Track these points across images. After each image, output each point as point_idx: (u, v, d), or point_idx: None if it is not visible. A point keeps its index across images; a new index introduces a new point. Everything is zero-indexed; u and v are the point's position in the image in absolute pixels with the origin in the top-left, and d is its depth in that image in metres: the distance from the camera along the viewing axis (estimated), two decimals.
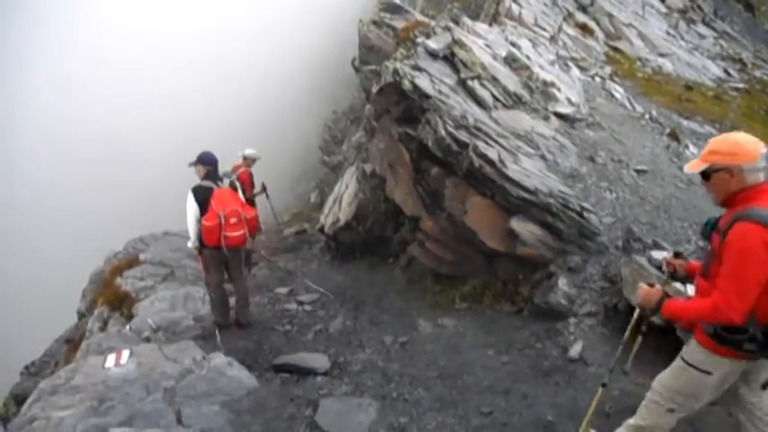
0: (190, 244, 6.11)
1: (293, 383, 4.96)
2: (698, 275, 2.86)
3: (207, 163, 6.01)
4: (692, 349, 2.85)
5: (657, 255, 5.10)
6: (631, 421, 3.16)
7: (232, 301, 6.58)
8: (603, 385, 3.26)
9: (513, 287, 6.10)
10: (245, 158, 9.15)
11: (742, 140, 2.67)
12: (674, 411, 2.95)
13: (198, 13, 32.96)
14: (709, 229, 2.79)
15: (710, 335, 2.72)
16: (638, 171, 7.45)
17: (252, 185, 9.21)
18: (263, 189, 9.69)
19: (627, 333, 3.37)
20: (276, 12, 30.15)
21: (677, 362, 2.95)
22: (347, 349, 5.76)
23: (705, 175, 2.72)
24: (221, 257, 6.05)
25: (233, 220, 5.83)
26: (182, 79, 29.81)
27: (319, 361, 5.35)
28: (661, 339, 4.66)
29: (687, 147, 9.19)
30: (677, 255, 3.16)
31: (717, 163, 2.65)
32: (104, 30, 33.09)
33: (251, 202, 9.07)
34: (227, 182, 6.16)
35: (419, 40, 8.40)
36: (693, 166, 2.74)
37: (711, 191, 2.76)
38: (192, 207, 5.84)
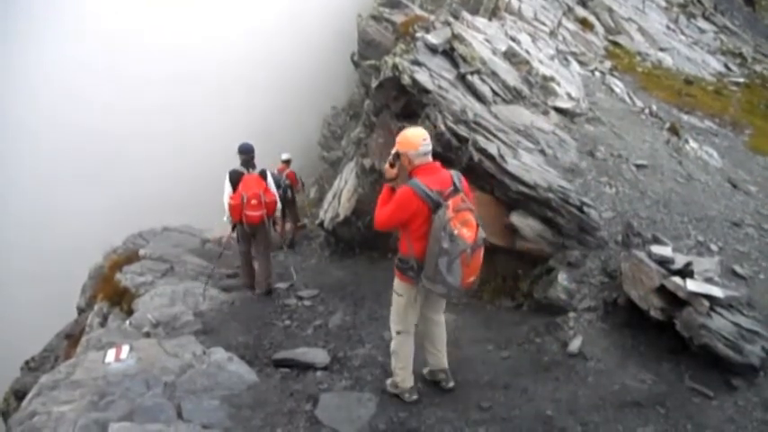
0: (225, 218, 7.27)
1: (293, 378, 4.96)
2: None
3: (241, 152, 7.20)
4: (395, 280, 4.03)
5: (657, 249, 5.10)
6: (391, 350, 4.22)
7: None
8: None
9: (513, 282, 6.10)
10: (284, 162, 11.24)
11: (410, 135, 3.91)
12: (400, 333, 4.09)
13: (196, 11, 32.80)
14: None
15: (396, 266, 3.95)
16: (637, 166, 7.44)
17: (297, 181, 11.32)
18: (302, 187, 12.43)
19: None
20: (274, 7, 30.04)
21: (393, 296, 4.07)
22: (347, 344, 5.75)
23: (397, 157, 3.88)
24: (247, 232, 7.31)
25: (253, 202, 7.00)
26: (181, 78, 29.70)
27: (319, 356, 5.34)
28: (660, 336, 4.68)
29: (687, 141, 9.18)
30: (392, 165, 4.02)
31: (399, 150, 3.87)
32: (105, 29, 32.96)
33: (295, 200, 11.45)
34: (255, 171, 7.20)
35: (418, 34, 8.36)
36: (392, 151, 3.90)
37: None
38: (226, 188, 7.10)
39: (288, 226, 11.44)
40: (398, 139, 3.93)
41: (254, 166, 7.21)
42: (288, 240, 11.09)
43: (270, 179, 7.36)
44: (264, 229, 7.35)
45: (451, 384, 4.38)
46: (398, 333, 4.11)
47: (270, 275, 7.56)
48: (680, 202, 6.79)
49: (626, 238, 5.77)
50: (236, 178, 7.07)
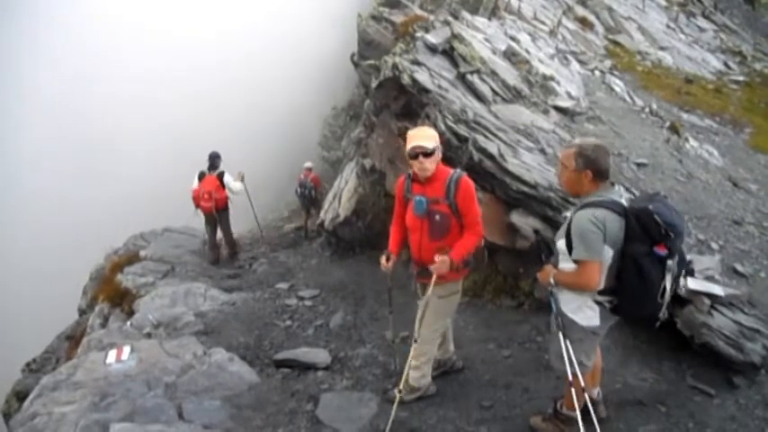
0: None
1: (294, 378, 4.96)
2: (433, 242, 3.83)
3: (208, 158, 9.64)
4: (447, 287, 3.87)
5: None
6: (414, 362, 4.04)
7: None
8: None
9: (514, 281, 6.10)
10: (307, 168, 12.90)
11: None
12: (437, 332, 4.08)
13: (197, 10, 32.81)
14: (427, 208, 3.77)
15: (458, 269, 3.75)
16: (638, 164, 7.43)
17: (319, 183, 12.93)
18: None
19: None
20: (274, 8, 30.03)
21: (434, 304, 3.87)
22: (348, 344, 5.76)
23: (429, 153, 3.67)
24: (210, 216, 9.64)
25: (206, 196, 9.42)
26: (182, 76, 29.69)
27: (320, 356, 5.35)
28: (661, 334, 4.67)
29: (687, 140, 9.18)
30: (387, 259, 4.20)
31: (437, 144, 3.72)
32: (108, 29, 32.95)
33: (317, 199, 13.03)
34: (215, 174, 9.55)
35: (418, 34, 8.36)
36: (428, 145, 3.67)
37: (430, 165, 3.69)
38: (195, 182, 9.57)
39: (310, 222, 12.70)
40: (432, 134, 3.80)
41: (215, 168, 9.50)
42: (310, 232, 12.31)
43: (227, 179, 9.43)
44: (216, 218, 9.63)
45: (461, 363, 4.70)
46: (440, 335, 4.12)
47: (219, 249, 10.11)
48: (680, 201, 6.79)
49: None
50: (201, 177, 9.52)
